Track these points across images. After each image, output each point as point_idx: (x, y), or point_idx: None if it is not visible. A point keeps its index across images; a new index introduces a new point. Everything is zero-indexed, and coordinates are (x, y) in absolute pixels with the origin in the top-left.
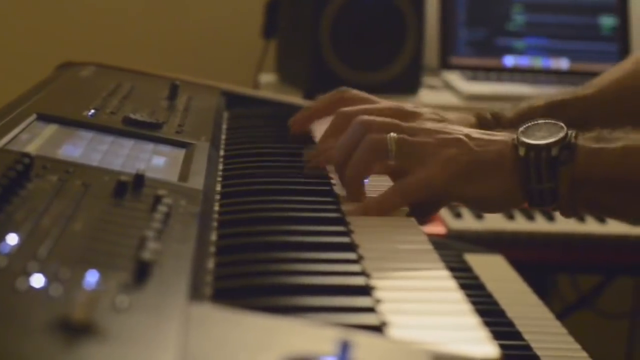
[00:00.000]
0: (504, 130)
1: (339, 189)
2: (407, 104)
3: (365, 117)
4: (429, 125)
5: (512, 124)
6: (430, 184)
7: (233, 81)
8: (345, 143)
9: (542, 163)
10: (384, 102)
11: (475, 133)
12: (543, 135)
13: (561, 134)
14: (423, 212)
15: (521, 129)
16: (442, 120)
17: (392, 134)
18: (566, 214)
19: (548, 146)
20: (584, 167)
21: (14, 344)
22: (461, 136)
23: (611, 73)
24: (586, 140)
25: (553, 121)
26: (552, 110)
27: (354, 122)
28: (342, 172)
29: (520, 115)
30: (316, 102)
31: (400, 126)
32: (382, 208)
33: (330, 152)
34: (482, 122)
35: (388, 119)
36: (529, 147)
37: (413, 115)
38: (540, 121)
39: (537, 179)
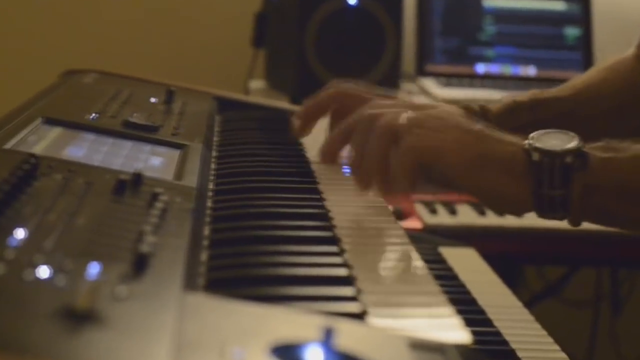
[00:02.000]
0: (489, 123)
1: (323, 187)
2: (410, 98)
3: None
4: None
5: (497, 117)
6: (440, 153)
7: (225, 87)
8: (373, 162)
9: (556, 169)
10: (388, 102)
11: (488, 130)
12: (556, 143)
13: (575, 143)
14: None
15: (532, 135)
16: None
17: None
18: (574, 222)
19: (563, 153)
20: (596, 174)
21: (22, 330)
22: (477, 129)
23: (588, 77)
24: (595, 150)
25: (564, 131)
26: (536, 107)
27: (373, 134)
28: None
29: (505, 109)
30: (313, 101)
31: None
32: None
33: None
34: (469, 115)
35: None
36: (544, 152)
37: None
38: (551, 130)
39: (550, 185)
